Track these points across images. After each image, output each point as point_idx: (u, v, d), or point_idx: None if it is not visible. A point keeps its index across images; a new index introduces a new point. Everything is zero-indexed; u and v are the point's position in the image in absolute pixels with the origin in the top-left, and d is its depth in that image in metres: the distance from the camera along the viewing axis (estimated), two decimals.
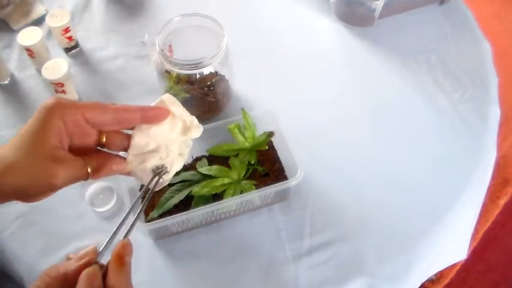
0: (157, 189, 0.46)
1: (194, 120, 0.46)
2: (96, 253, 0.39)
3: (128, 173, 0.46)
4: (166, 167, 0.45)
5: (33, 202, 0.41)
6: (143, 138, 0.44)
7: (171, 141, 0.45)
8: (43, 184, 0.39)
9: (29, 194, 0.40)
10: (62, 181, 0.39)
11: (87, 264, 0.38)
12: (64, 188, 0.69)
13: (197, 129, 0.46)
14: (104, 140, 0.44)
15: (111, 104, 0.42)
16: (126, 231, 0.40)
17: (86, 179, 0.42)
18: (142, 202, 0.44)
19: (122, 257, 0.38)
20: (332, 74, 0.84)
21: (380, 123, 0.77)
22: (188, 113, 0.46)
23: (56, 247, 0.65)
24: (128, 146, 0.45)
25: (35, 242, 0.66)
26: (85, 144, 0.43)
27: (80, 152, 0.42)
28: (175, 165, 0.46)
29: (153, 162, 0.45)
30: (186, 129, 0.46)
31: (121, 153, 0.46)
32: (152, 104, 0.45)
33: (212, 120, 0.73)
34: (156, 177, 0.45)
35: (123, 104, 0.43)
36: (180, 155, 0.46)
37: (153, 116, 0.44)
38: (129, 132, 0.45)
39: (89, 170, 0.42)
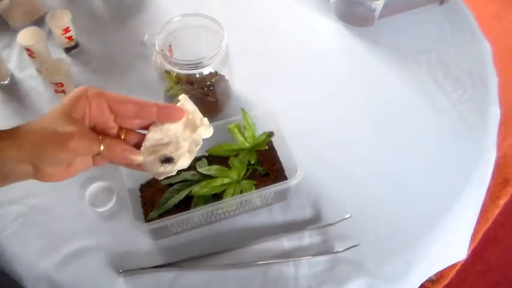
0: (160, 178, 0.48)
1: (205, 120, 0.49)
2: None
3: (138, 166, 0.47)
4: (173, 159, 0.47)
5: (47, 179, 0.43)
6: (157, 133, 0.47)
7: (183, 138, 0.48)
8: (59, 144, 0.40)
9: (44, 157, 0.41)
10: (76, 144, 0.41)
11: None
12: (64, 188, 0.70)
13: (208, 129, 0.49)
14: (123, 137, 0.46)
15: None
16: None
17: (97, 154, 0.44)
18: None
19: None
20: (332, 74, 0.84)
21: (380, 123, 0.77)
22: (200, 113, 0.49)
23: (55, 247, 0.65)
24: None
25: (35, 242, 0.66)
26: (105, 134, 0.46)
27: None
28: (182, 159, 0.48)
29: (162, 153, 0.47)
30: (197, 128, 0.48)
31: None
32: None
33: (212, 120, 0.72)
34: (163, 166, 0.47)
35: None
36: (188, 152, 0.48)
37: (168, 113, 0.46)
38: (145, 132, 0.48)
39: (102, 148, 0.44)
